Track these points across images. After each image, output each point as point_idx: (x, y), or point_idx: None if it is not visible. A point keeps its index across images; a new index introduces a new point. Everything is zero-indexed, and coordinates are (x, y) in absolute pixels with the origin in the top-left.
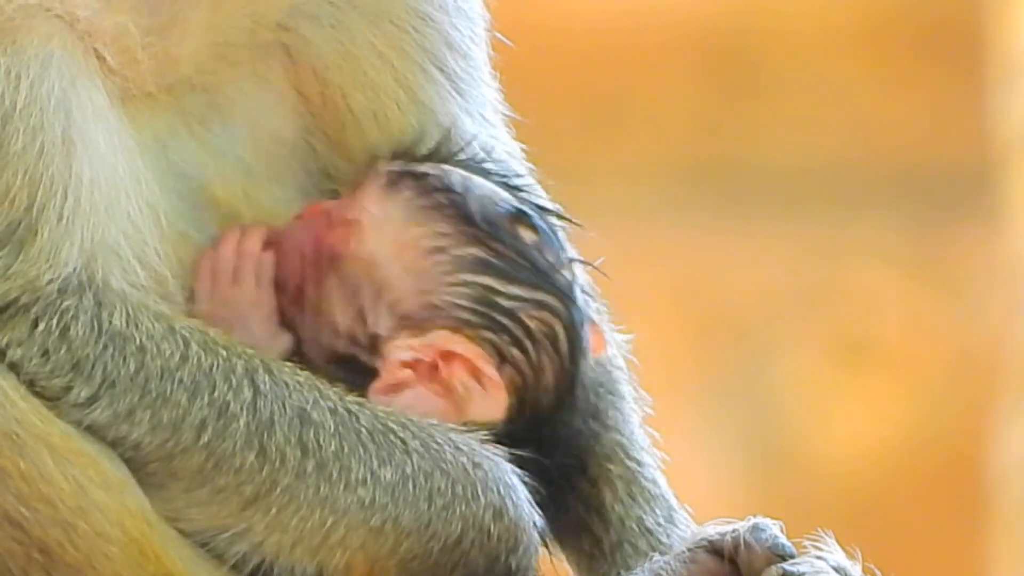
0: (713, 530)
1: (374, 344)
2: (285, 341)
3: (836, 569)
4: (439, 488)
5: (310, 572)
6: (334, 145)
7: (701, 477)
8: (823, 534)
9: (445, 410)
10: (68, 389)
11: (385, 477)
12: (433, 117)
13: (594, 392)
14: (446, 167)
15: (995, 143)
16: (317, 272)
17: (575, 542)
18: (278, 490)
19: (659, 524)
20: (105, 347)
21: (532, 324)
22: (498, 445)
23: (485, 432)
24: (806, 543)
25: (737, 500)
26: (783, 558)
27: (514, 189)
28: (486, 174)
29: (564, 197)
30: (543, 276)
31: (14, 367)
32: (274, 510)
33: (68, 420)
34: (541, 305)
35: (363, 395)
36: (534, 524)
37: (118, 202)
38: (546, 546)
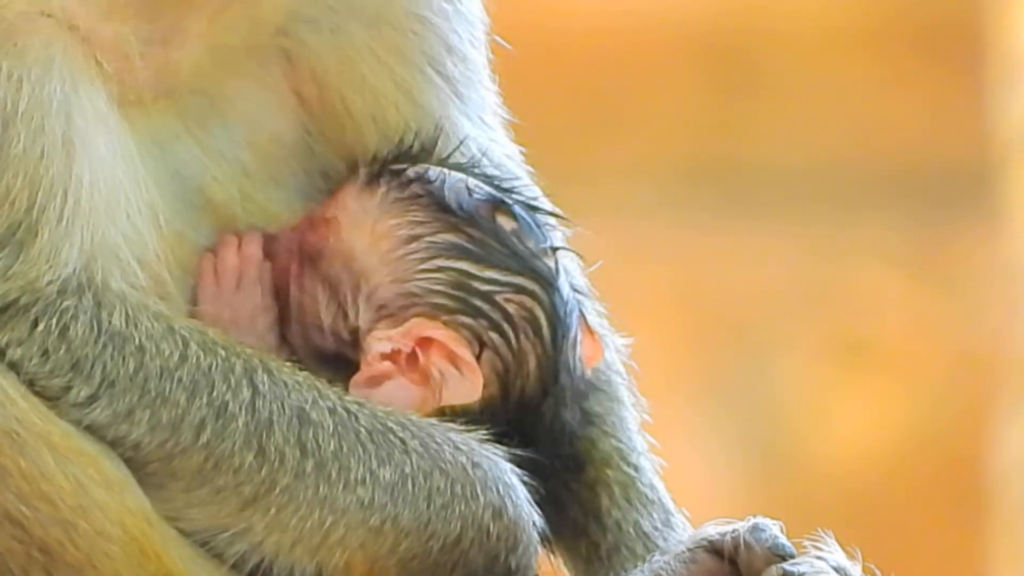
0: (713, 530)
1: (356, 338)
2: (287, 346)
3: (836, 569)
4: (438, 487)
5: (310, 572)
6: (333, 147)
7: (701, 477)
8: (823, 534)
9: (423, 398)
10: (68, 389)
11: (384, 477)
12: (432, 120)
13: (592, 396)
14: (426, 165)
15: (995, 143)
16: (301, 272)
17: (572, 546)
18: (277, 490)
19: (656, 528)
20: (104, 347)
21: (511, 308)
22: (497, 444)
23: (480, 429)
24: (806, 543)
25: (737, 500)
26: (783, 558)
27: (504, 190)
28: (470, 172)
29: (564, 197)
30: (522, 261)
31: (14, 367)
32: (273, 510)
33: (68, 420)
34: (519, 289)
35: None
36: (533, 523)
37: (118, 204)
38: (545, 546)
